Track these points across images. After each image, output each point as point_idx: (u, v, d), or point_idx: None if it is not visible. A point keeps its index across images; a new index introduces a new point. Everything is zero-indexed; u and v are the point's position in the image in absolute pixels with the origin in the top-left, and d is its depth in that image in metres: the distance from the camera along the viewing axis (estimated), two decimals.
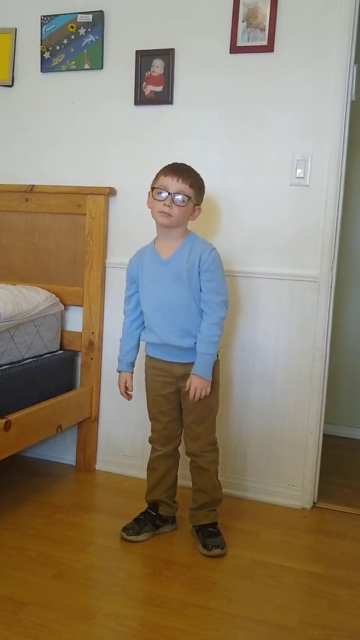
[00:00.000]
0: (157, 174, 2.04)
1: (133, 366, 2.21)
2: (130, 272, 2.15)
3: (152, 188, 2.03)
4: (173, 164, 2.05)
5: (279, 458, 2.49)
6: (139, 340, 2.18)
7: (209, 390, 2.04)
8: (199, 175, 2.05)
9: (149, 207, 2.06)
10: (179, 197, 1.97)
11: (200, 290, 2.03)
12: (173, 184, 1.98)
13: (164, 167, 2.04)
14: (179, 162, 2.05)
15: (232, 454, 2.52)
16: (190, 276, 2.02)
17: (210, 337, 2.02)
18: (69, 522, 2.23)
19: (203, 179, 2.06)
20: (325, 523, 2.35)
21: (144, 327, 2.16)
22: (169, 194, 1.97)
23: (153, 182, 2.04)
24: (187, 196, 1.99)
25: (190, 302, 2.03)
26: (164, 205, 1.98)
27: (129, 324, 2.18)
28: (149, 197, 2.05)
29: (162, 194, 1.98)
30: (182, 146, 2.49)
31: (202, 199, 2.08)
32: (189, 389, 2.03)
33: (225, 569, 1.98)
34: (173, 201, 1.97)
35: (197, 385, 2.02)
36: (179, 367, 2.08)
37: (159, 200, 1.99)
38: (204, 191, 2.08)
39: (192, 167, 2.05)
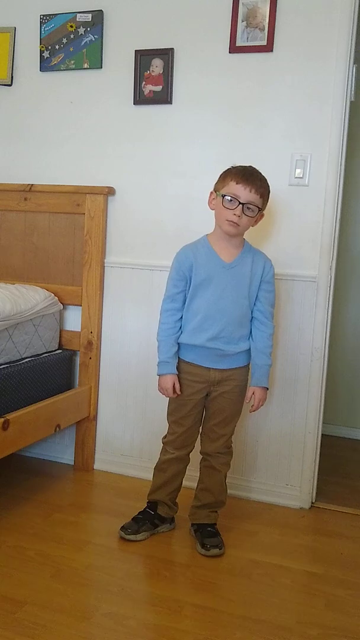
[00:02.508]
0: (225, 175, 1.96)
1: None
2: (182, 268, 2.01)
3: (217, 191, 1.95)
4: (244, 169, 1.94)
5: (278, 458, 2.49)
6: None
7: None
8: (267, 181, 1.97)
9: (211, 209, 2.00)
10: (250, 207, 1.92)
11: (256, 298, 2.03)
12: (245, 193, 1.90)
13: (235, 171, 1.94)
14: (248, 165, 1.97)
15: None
16: (252, 284, 2.00)
17: (269, 349, 2.06)
18: (67, 521, 2.23)
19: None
20: (323, 523, 2.35)
21: (182, 330, 2.05)
22: (239, 203, 1.90)
23: (219, 184, 1.97)
24: (258, 207, 1.94)
25: (246, 309, 2.02)
26: (234, 215, 1.91)
27: (173, 323, 2.04)
28: (211, 197, 1.99)
29: (232, 202, 1.91)
30: (181, 145, 2.50)
31: (266, 205, 2.01)
32: (251, 400, 2.05)
33: (224, 569, 1.98)
34: (243, 211, 1.91)
35: (261, 396, 2.06)
36: (215, 373, 2.05)
37: (229, 208, 1.91)
38: (269, 196, 2.01)
39: (260, 172, 1.97)
